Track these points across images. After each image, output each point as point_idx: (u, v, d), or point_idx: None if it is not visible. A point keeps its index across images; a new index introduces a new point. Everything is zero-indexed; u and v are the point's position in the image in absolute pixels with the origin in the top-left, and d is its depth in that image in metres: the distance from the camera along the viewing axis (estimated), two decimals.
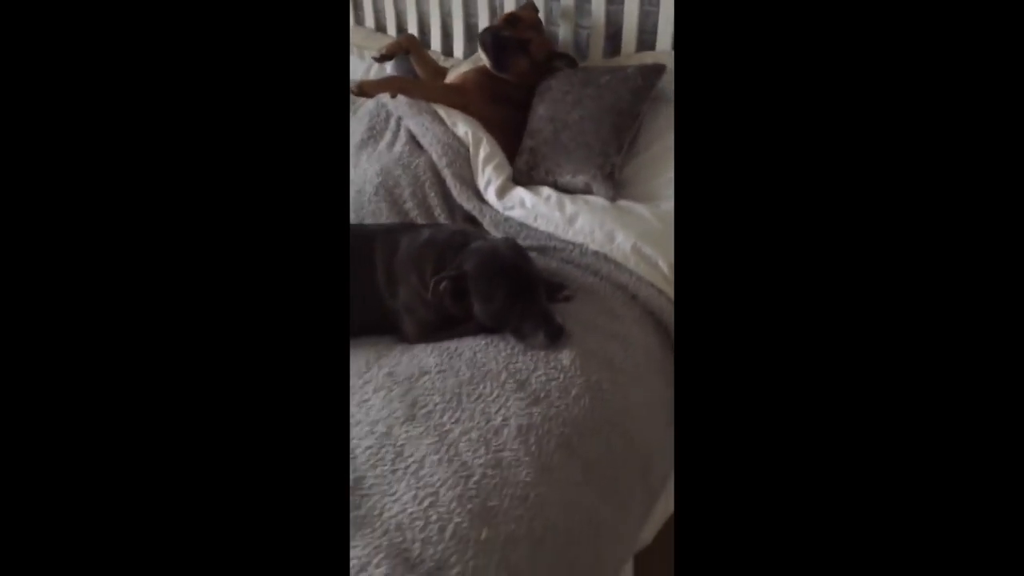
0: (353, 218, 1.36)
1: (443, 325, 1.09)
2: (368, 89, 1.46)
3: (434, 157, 1.36)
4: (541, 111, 1.45)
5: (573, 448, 0.89)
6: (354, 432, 0.91)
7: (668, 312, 1.09)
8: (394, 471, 0.85)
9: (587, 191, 1.33)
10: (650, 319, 1.10)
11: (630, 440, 0.95)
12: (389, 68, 1.73)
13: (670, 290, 1.11)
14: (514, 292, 1.01)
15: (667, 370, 1.08)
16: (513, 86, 1.52)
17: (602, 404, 0.95)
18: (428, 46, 1.86)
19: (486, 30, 1.51)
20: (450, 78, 1.60)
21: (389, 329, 1.13)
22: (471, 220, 1.33)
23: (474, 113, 1.46)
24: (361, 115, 1.57)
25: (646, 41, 1.55)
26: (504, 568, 0.75)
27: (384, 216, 1.33)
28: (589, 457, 0.90)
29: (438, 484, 0.82)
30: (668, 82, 1.40)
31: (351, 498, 0.81)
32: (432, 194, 1.34)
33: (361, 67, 1.82)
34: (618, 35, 1.58)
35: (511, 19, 1.53)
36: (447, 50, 1.88)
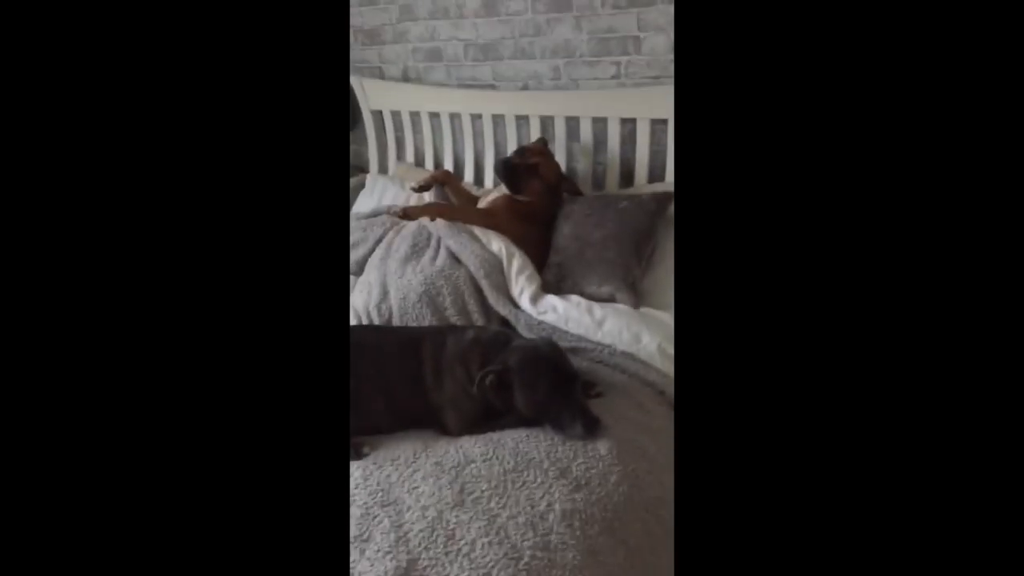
0: (398, 321, 1.49)
1: (486, 418, 1.17)
2: (412, 214, 1.67)
3: (472, 270, 1.52)
4: (566, 231, 1.64)
5: (615, 532, 0.94)
6: (406, 516, 0.96)
7: None
8: (447, 553, 0.89)
9: (611, 300, 1.47)
10: None
11: (665, 525, 0.99)
12: (427, 197, 1.96)
13: None
14: (554, 386, 1.11)
15: None
16: (535, 208, 1.72)
17: (639, 491, 1.01)
18: (462, 178, 2.11)
19: (499, 160, 1.76)
20: (482, 204, 1.81)
21: (432, 423, 1.21)
22: (506, 324, 1.46)
23: (504, 233, 1.65)
24: (405, 234, 1.76)
25: (655, 174, 1.78)
26: None
27: (427, 320, 1.46)
28: (630, 541, 0.94)
29: (490, 565, 0.87)
30: None
31: None
32: (471, 301, 1.48)
33: (402, 196, 2.06)
34: (631, 170, 1.82)
35: (519, 150, 1.78)
36: (479, 181, 2.13)
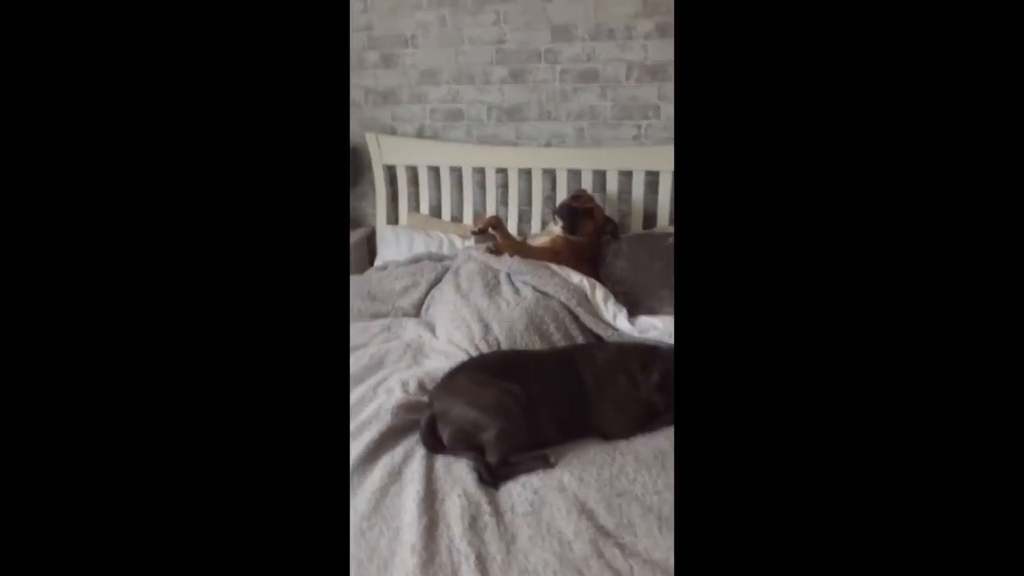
0: (507, 347, 1.56)
1: (648, 418, 1.30)
2: (502, 248, 1.79)
3: (563, 299, 1.66)
4: (621, 264, 1.86)
5: None
6: (654, 500, 1.05)
7: None
8: None
9: None
10: None
11: None
12: (471, 241, 2.07)
13: None
14: None
15: None
16: (587, 247, 1.93)
17: None
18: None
19: (562, 204, 1.96)
20: (537, 244, 1.98)
21: (593, 431, 1.30)
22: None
23: (567, 268, 1.82)
24: (468, 274, 1.85)
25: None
26: None
27: (538, 345, 1.56)
28: None
29: None
30: None
31: None
32: (572, 326, 1.61)
33: (420, 242, 2.16)
34: (653, 214, 2.12)
35: (576, 195, 2.01)
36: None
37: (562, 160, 2.16)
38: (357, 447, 1.22)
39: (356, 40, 2.30)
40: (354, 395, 1.41)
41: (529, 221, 2.28)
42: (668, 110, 2.08)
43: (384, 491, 1.11)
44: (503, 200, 2.29)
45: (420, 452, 1.23)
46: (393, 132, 2.38)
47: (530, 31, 2.13)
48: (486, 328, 1.61)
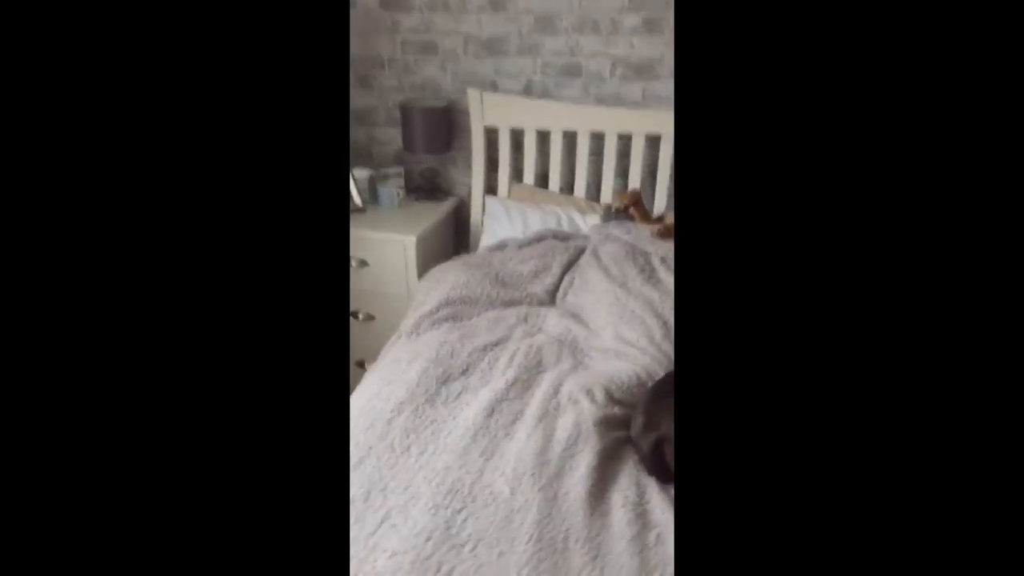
0: None
1: None
2: (667, 233, 1.56)
3: None
4: None
5: None
6: None
7: None
8: None
9: None
10: None
11: None
12: (594, 219, 1.83)
13: None
14: None
15: None
16: None
17: None
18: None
19: None
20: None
21: None
22: None
23: None
24: (614, 256, 1.62)
25: None
26: None
27: None
28: None
29: None
30: None
31: None
32: None
33: (538, 218, 1.90)
34: None
35: None
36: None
37: None
38: (577, 473, 1.02)
39: None
40: (535, 404, 1.19)
41: (652, 196, 2.03)
42: None
43: (642, 540, 0.91)
44: (621, 171, 2.04)
45: (652, 484, 1.03)
46: (495, 88, 2.10)
47: None
48: (666, 326, 1.39)
